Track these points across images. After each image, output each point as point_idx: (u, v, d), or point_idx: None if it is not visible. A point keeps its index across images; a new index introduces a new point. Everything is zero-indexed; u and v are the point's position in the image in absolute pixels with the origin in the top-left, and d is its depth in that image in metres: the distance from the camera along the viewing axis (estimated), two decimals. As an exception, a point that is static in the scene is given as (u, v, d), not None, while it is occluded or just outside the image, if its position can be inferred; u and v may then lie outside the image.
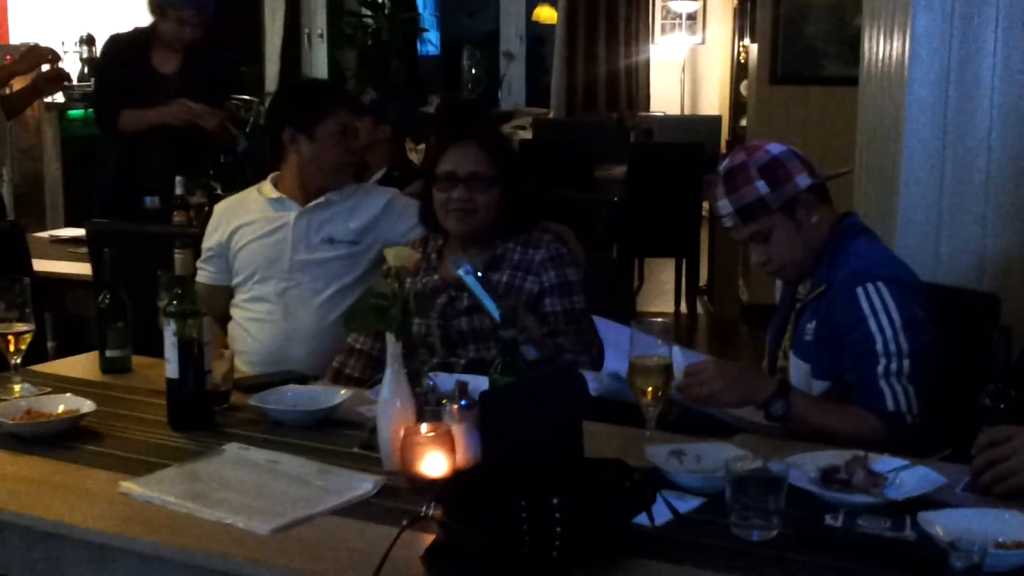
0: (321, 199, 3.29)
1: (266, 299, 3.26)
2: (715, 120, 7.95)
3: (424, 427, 2.04)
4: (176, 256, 2.35)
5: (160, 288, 2.72)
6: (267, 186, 3.37)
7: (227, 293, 3.34)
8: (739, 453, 2.08)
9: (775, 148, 2.47)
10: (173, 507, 1.94)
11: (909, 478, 2.01)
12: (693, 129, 7.65)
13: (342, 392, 2.49)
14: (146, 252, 3.40)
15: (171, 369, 2.35)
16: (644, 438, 2.23)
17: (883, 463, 2.05)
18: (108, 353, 2.78)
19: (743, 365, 2.44)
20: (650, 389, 2.22)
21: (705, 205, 7.28)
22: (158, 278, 2.72)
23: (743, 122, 8.85)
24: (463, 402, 2.12)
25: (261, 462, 2.13)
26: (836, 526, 1.85)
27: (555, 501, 1.66)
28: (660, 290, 7.88)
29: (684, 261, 7.28)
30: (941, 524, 1.78)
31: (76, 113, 8.00)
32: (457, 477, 1.80)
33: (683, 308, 7.39)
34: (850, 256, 2.43)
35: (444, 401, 2.13)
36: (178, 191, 4.49)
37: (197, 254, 3.33)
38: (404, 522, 1.72)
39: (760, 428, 2.35)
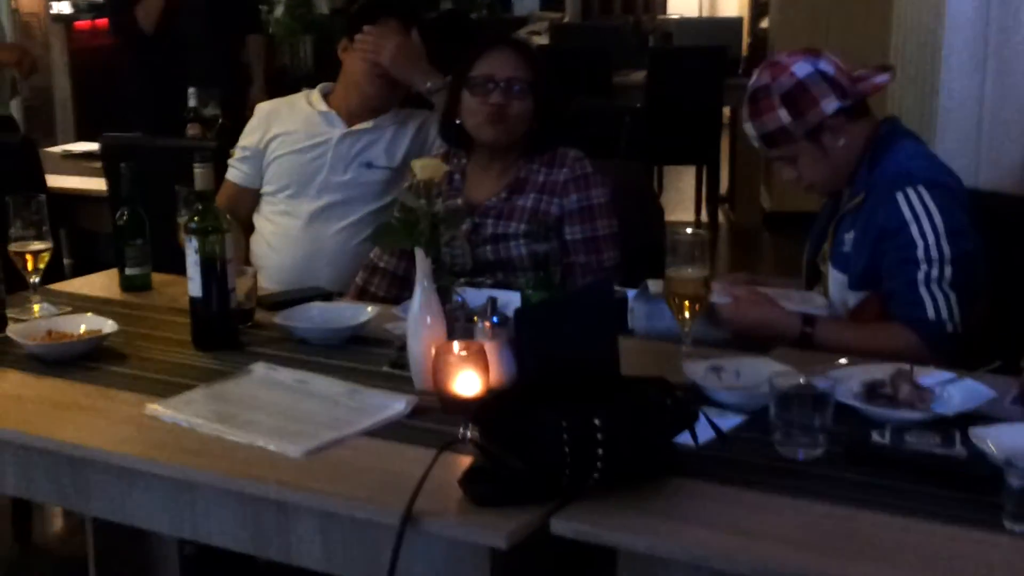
0: (369, 123, 3.21)
1: (295, 215, 3.19)
2: (736, 22, 7.78)
3: (456, 345, 1.98)
4: (196, 171, 2.28)
5: (179, 204, 2.64)
6: (316, 96, 3.28)
7: (254, 196, 3.27)
8: (780, 368, 2.02)
9: (801, 69, 2.36)
10: (202, 429, 1.89)
11: (956, 392, 1.96)
12: (713, 32, 7.48)
13: (369, 309, 2.43)
14: (162, 166, 3.34)
15: (194, 287, 2.29)
16: (680, 354, 2.17)
17: (929, 377, 1.99)
18: (128, 271, 2.72)
19: (773, 301, 2.38)
20: (687, 303, 2.16)
21: (726, 111, 7.16)
22: (176, 194, 2.65)
23: (763, 23, 8.68)
24: (494, 319, 2.06)
25: (290, 382, 2.08)
26: (884, 443, 1.79)
27: (596, 421, 1.61)
28: (680, 198, 7.79)
29: (704, 169, 7.17)
30: (993, 440, 1.72)
31: (83, 24, 7.88)
32: (493, 397, 1.74)
33: (704, 217, 7.31)
34: (890, 161, 2.35)
35: (475, 318, 2.07)
36: (191, 103, 4.39)
37: (218, 168, 3.27)
38: (441, 446, 1.67)
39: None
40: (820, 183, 2.45)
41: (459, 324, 2.11)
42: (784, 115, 2.34)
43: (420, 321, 2.07)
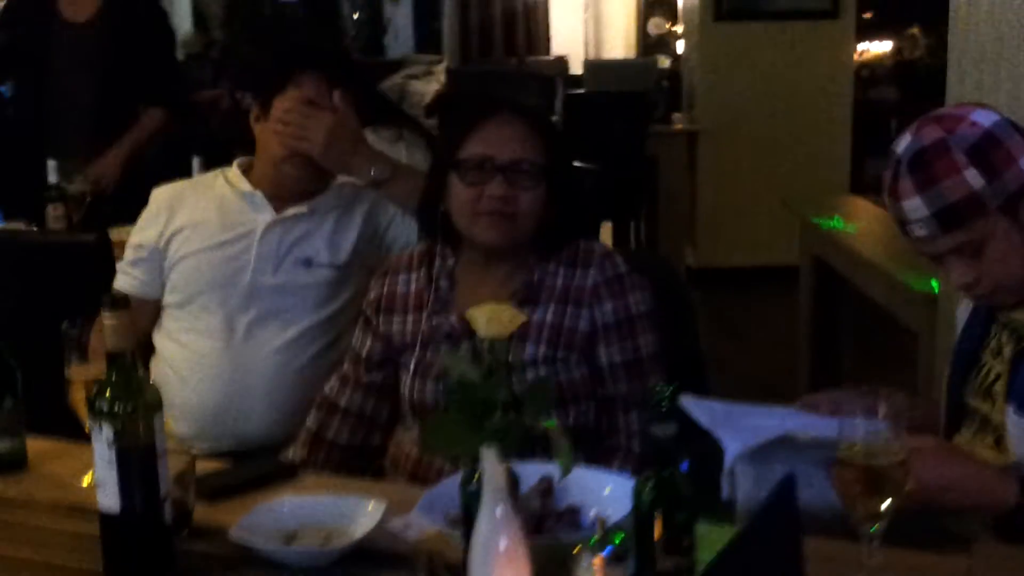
0: (303, 208, 2.44)
1: (211, 333, 2.40)
2: (648, 64, 7.18)
3: (564, 605, 1.23)
4: (106, 323, 1.47)
5: (68, 350, 1.83)
6: (234, 173, 2.50)
7: (153, 309, 2.48)
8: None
9: (985, 118, 1.69)
10: None
11: None
12: (623, 75, 6.85)
13: (369, 507, 1.63)
14: (26, 272, 2.52)
15: (107, 498, 1.48)
16: (862, 563, 1.46)
17: None
18: (-7, 446, 1.89)
19: (972, 457, 1.69)
20: (880, 494, 1.44)
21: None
22: (64, 336, 1.83)
23: (664, 64, 8.13)
24: (607, 549, 1.31)
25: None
26: None
27: None
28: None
29: (629, 222, 6.52)
30: None
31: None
32: None
33: (625, 275, 6.64)
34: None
35: (576, 550, 1.32)
36: (52, 178, 3.54)
37: (89, 260, 2.46)
38: None
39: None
40: (1008, 285, 1.75)
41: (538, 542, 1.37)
42: (974, 177, 1.65)
43: (488, 549, 1.30)
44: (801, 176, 6.26)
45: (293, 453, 2.18)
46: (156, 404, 1.49)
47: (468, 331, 2.06)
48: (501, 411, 1.26)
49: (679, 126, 6.57)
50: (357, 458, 2.21)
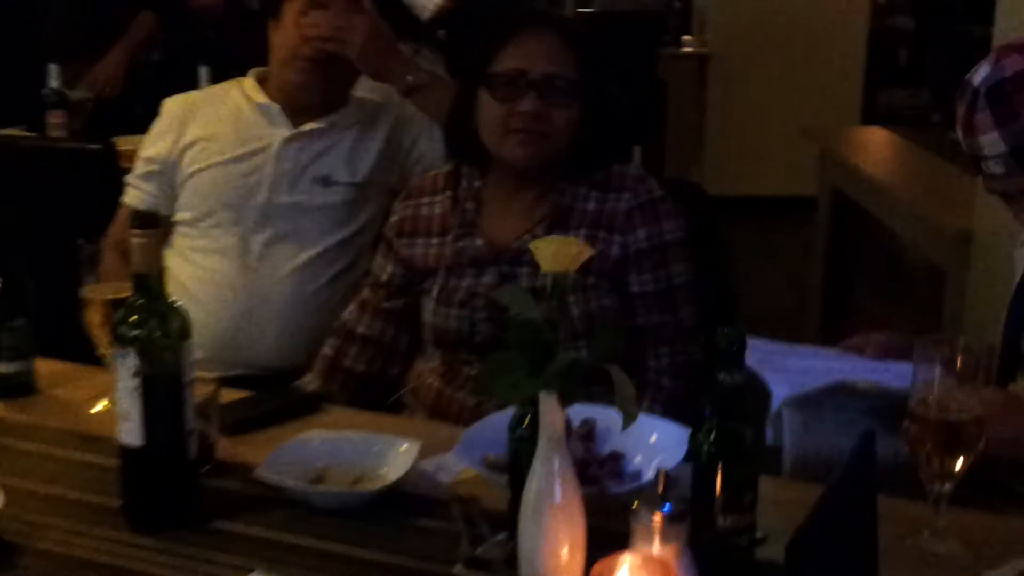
0: (320, 123, 2.33)
1: (225, 252, 2.31)
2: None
3: (627, 562, 1.15)
4: (134, 242, 1.37)
5: (83, 266, 1.73)
6: (251, 84, 2.39)
7: (165, 226, 2.37)
8: None
9: None
10: None
11: None
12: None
13: (402, 448, 1.55)
14: (34, 180, 2.42)
15: (130, 432, 1.39)
16: (926, 523, 1.39)
17: None
18: (1, 368, 1.79)
19: None
20: (945, 451, 1.36)
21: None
22: (78, 250, 1.74)
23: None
24: (666, 506, 1.23)
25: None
26: None
27: None
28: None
29: (633, 148, 6.39)
30: None
31: None
32: None
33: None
34: None
35: (634, 505, 1.24)
36: (52, 83, 3.42)
37: (88, 169, 2.35)
38: None
39: None
40: None
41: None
42: None
43: (545, 507, 1.23)
44: (813, 104, 6.14)
45: (309, 381, 2.10)
46: (184, 331, 1.40)
47: (494, 256, 2.01)
48: (560, 352, 1.17)
49: (689, 49, 6.42)
50: (374, 388, 2.13)
